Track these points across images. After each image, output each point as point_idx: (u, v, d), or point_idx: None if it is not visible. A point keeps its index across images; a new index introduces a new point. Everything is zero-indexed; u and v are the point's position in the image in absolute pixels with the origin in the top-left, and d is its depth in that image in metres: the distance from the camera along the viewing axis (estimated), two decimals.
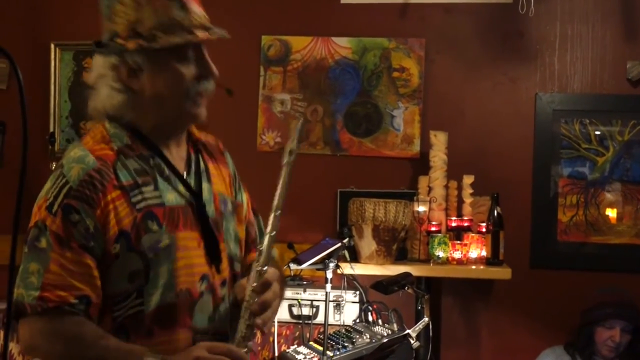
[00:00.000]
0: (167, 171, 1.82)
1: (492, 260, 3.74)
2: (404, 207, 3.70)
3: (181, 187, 1.82)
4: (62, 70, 4.36)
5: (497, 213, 3.77)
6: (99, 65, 1.81)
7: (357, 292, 3.66)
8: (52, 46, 4.35)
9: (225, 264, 1.87)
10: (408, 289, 3.27)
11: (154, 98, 1.78)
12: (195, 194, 1.84)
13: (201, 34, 1.77)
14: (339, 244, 3.28)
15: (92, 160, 1.75)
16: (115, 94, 1.78)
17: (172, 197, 1.81)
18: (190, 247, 1.80)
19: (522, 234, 4.00)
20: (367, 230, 3.68)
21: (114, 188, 1.74)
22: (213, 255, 1.84)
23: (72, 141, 4.32)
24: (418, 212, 3.80)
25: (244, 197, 2.02)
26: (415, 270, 3.54)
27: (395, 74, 4.15)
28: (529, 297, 4.01)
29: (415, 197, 3.85)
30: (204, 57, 1.81)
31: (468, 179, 3.87)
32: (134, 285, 1.73)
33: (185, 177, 1.85)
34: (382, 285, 3.20)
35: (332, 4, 4.19)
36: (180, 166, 1.86)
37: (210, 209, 1.86)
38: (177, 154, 1.85)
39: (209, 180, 1.90)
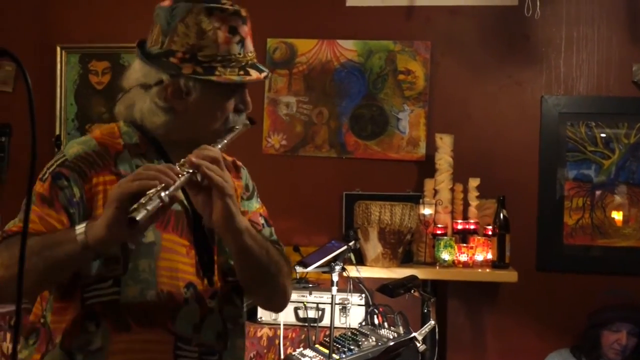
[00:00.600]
0: None
1: (498, 263, 3.73)
2: (409, 210, 3.69)
3: (180, 194, 1.78)
4: (68, 73, 4.36)
5: (503, 216, 3.76)
6: (141, 73, 1.81)
7: (363, 295, 3.65)
8: (58, 49, 4.35)
9: (217, 277, 1.83)
10: (414, 292, 3.26)
11: (193, 122, 1.80)
12: (191, 202, 1.80)
13: (255, 75, 1.80)
14: (345, 247, 3.27)
15: (94, 143, 1.77)
16: (159, 112, 1.78)
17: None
18: (177, 251, 1.77)
19: (528, 237, 3.99)
20: (373, 233, 3.67)
21: (110, 173, 1.73)
22: (204, 266, 1.81)
23: None
24: (424, 215, 3.79)
25: (253, 206, 1.99)
26: (421, 273, 3.53)
27: (401, 77, 4.14)
28: (535, 300, 4.00)
29: (421, 200, 3.84)
30: (245, 92, 1.85)
31: (474, 182, 3.86)
32: (109, 271, 1.71)
33: None
34: (388, 288, 3.19)
35: (337, 6, 4.19)
36: None
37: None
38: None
39: None
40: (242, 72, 1.78)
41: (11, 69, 4.37)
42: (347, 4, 4.19)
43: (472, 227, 3.84)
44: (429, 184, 3.91)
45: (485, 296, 4.02)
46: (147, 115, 1.79)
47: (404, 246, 3.75)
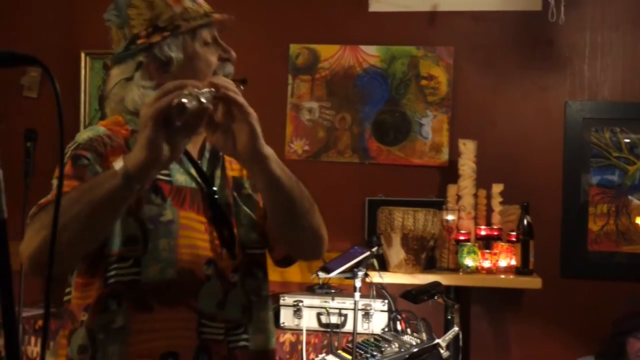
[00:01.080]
0: None
1: (521, 270, 3.71)
2: (432, 216, 3.68)
3: (193, 171, 1.80)
4: (92, 79, 4.39)
5: (527, 222, 3.74)
6: (118, 72, 1.82)
7: (386, 301, 3.64)
8: (83, 55, 4.38)
9: (237, 250, 1.82)
10: (438, 298, 3.25)
11: None
12: (206, 179, 1.82)
13: (217, 15, 1.84)
14: (368, 253, 3.26)
15: (103, 129, 1.79)
16: (149, 93, 1.75)
17: (182, 178, 1.79)
18: (195, 228, 1.77)
19: (552, 243, 3.96)
20: (396, 239, 3.66)
21: (123, 153, 1.69)
22: (225, 240, 1.80)
23: None
24: (447, 221, 3.78)
25: None
26: (444, 279, 3.52)
27: (424, 82, 4.13)
28: (559, 306, 3.97)
29: (444, 206, 3.83)
30: (219, 40, 1.86)
31: (497, 188, 3.85)
32: (129, 251, 1.70)
33: (198, 162, 1.84)
34: (412, 294, 3.18)
35: (360, 12, 4.19)
36: (194, 152, 1.85)
37: (222, 195, 1.84)
38: (192, 140, 1.78)
39: (223, 166, 1.88)
40: (205, 17, 1.82)
41: (36, 75, 4.41)
42: (370, 10, 4.19)
43: (495, 233, 3.81)
44: (452, 190, 3.89)
45: (508, 303, 4.00)
46: (139, 99, 1.78)
47: (427, 252, 3.73)
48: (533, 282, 3.66)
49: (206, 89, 1.57)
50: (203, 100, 1.51)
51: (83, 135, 1.77)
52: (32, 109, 4.33)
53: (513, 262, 3.74)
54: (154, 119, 1.50)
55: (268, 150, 1.67)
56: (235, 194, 1.87)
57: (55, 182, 1.73)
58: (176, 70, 1.78)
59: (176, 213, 1.75)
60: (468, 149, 3.87)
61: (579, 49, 4.04)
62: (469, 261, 3.69)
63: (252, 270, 1.86)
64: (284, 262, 1.95)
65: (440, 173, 4.09)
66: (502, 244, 3.79)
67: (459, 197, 3.87)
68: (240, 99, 1.62)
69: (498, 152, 4.05)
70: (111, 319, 1.71)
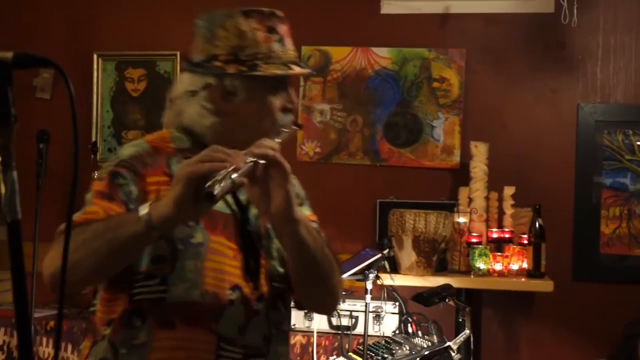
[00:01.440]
0: None
1: (533, 273, 3.70)
2: (444, 218, 3.68)
3: (229, 197, 1.82)
4: (104, 81, 4.41)
5: (539, 225, 3.73)
6: (188, 82, 1.85)
7: (397, 303, 3.64)
8: (95, 56, 4.40)
9: (263, 281, 1.85)
10: (449, 300, 3.24)
11: (241, 123, 1.83)
12: (242, 207, 1.84)
13: (297, 69, 1.86)
14: (379, 255, 3.26)
15: (147, 145, 1.82)
16: (207, 115, 1.82)
17: (218, 203, 1.79)
18: (224, 253, 1.79)
19: (564, 246, 3.95)
20: (407, 241, 3.66)
21: (163, 174, 1.76)
22: (250, 269, 1.83)
23: (113, 150, 4.37)
24: (458, 224, 3.77)
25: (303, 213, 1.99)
26: (455, 281, 3.51)
27: (436, 84, 4.13)
28: (571, 309, 3.96)
29: (455, 208, 3.82)
30: (290, 91, 1.89)
31: (509, 190, 3.84)
32: (157, 269, 1.74)
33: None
34: (423, 297, 3.17)
35: (372, 14, 4.19)
36: None
37: (255, 224, 1.86)
38: None
39: None
40: (284, 67, 1.83)
41: (49, 76, 4.43)
42: (382, 12, 4.19)
43: (507, 235, 3.81)
44: (463, 192, 3.89)
45: (520, 306, 3.99)
46: (196, 119, 1.83)
47: (438, 254, 3.73)
48: (545, 285, 3.65)
49: (246, 163, 1.61)
50: (236, 179, 1.56)
51: (127, 150, 1.81)
52: (44, 110, 4.36)
53: (525, 265, 3.73)
54: (189, 179, 1.54)
55: (299, 215, 1.73)
56: (270, 226, 1.87)
57: (89, 196, 1.77)
58: (238, 105, 1.82)
59: (207, 237, 1.78)
60: (480, 151, 3.87)
61: (592, 51, 4.03)
62: (480, 264, 3.69)
63: (276, 303, 1.88)
64: (296, 305, 2.00)
65: (451, 175, 4.09)
66: (514, 246, 3.78)
67: (470, 200, 3.86)
68: (286, 164, 1.67)
69: (510, 154, 4.04)
70: (134, 335, 1.74)
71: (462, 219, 3.78)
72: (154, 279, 1.74)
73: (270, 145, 1.68)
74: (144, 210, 1.59)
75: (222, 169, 1.56)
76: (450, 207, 3.84)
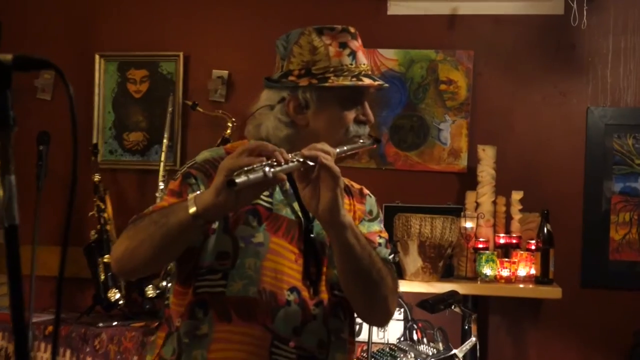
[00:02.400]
0: (287, 185, 1.95)
1: (541, 279, 3.69)
2: (450, 223, 3.67)
3: (296, 205, 1.95)
4: (106, 82, 4.41)
5: (547, 230, 3.73)
6: (265, 97, 2.01)
7: (402, 310, 3.63)
8: (97, 57, 4.40)
9: (324, 288, 1.95)
10: (455, 307, 3.23)
11: (314, 134, 1.93)
12: (307, 214, 1.94)
13: (367, 81, 1.97)
14: None
15: (222, 152, 1.96)
16: (282, 127, 1.96)
17: (283, 209, 1.94)
18: (284, 255, 1.90)
19: (572, 252, 3.94)
20: (413, 247, 3.66)
21: None
22: (310, 275, 1.92)
23: (115, 152, 4.37)
24: (465, 229, 3.77)
25: (373, 227, 2.08)
26: (461, 288, 3.50)
27: (443, 87, 4.12)
28: (580, 317, 3.95)
29: (462, 213, 3.82)
30: (364, 103, 2.00)
31: (517, 195, 3.83)
32: (221, 264, 1.87)
33: None
34: (429, 303, 3.16)
35: (378, 15, 4.19)
36: None
37: (320, 233, 1.94)
38: None
39: None
40: (354, 79, 1.95)
41: (50, 77, 4.44)
42: (388, 13, 4.19)
43: (514, 241, 3.81)
44: (470, 197, 3.89)
45: (528, 313, 3.98)
46: (272, 131, 1.97)
47: (444, 260, 3.72)
48: (553, 292, 3.64)
49: (291, 160, 1.70)
50: (269, 173, 1.62)
51: (203, 155, 1.96)
52: (45, 111, 4.36)
53: (532, 271, 3.73)
54: (227, 171, 1.63)
55: (346, 220, 1.80)
56: None
57: (160, 195, 1.91)
58: (310, 116, 1.96)
59: (268, 237, 1.90)
60: (487, 155, 3.87)
61: (602, 53, 4.02)
62: (487, 270, 3.68)
63: (336, 311, 1.98)
64: None
65: (458, 179, 4.09)
66: (522, 252, 3.78)
67: (477, 204, 3.86)
68: (334, 168, 1.75)
69: (518, 158, 4.04)
70: (197, 326, 1.87)
71: (469, 224, 3.78)
72: (217, 273, 1.88)
73: (323, 148, 1.77)
74: (190, 197, 1.71)
75: (243, 172, 1.63)
76: (457, 212, 3.83)
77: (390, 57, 4.17)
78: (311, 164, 1.73)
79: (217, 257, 1.88)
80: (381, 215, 2.16)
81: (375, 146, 2.05)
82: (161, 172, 4.01)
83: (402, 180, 4.13)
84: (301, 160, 1.72)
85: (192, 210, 1.67)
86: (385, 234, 2.10)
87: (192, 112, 4.17)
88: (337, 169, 1.75)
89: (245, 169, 1.61)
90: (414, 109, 4.15)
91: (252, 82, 4.13)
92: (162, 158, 4.07)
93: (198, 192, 1.74)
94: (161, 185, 3.94)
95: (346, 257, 1.84)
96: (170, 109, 4.18)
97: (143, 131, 4.37)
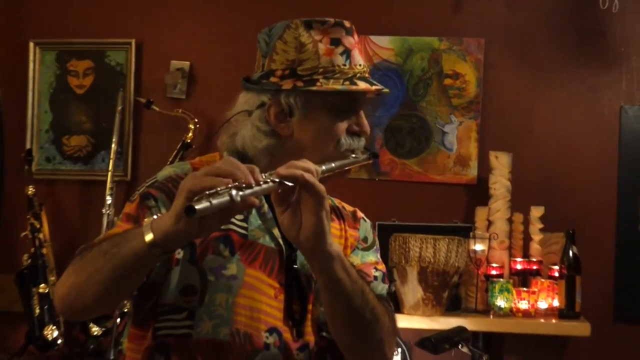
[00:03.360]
0: (266, 208, 1.94)
1: (566, 313, 3.71)
2: (457, 246, 3.68)
3: (276, 231, 1.91)
4: (42, 74, 4.39)
5: (573, 254, 3.74)
6: (243, 101, 1.99)
7: (399, 350, 3.63)
8: (31, 45, 4.38)
9: (309, 329, 1.93)
10: (462, 347, 3.23)
11: (299, 147, 1.93)
12: (290, 243, 1.89)
13: (362, 85, 1.95)
14: None
15: (188, 167, 1.95)
16: (261, 136, 1.94)
17: (260, 235, 1.92)
18: (262, 291, 1.88)
19: (603, 280, 3.96)
20: (412, 274, 3.66)
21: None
22: (293, 313, 1.91)
23: (52, 159, 4.34)
24: (475, 252, 3.77)
25: (368, 258, 2.07)
26: (471, 323, 3.50)
27: (448, 81, 4.14)
28: (612, 357, 3.97)
29: (471, 233, 3.82)
30: (359, 112, 1.99)
31: (537, 212, 3.85)
32: (186, 301, 1.85)
33: None
34: (430, 342, 3.16)
35: None
36: None
37: (305, 264, 1.91)
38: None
39: None
40: (347, 83, 1.92)
41: None
42: None
43: (534, 267, 3.82)
44: (481, 214, 3.89)
45: (550, 353, 3.99)
46: (250, 141, 1.95)
47: (449, 290, 3.73)
48: (580, 328, 3.65)
49: (267, 182, 1.67)
50: (236, 197, 1.58)
51: (165, 171, 1.95)
52: None
53: (556, 303, 3.74)
54: (187, 193, 1.60)
55: (334, 249, 1.77)
56: None
57: (117, 219, 1.92)
58: (294, 125, 1.93)
59: (242, 269, 1.88)
60: (501, 163, 3.88)
61: (637, 42, 4.04)
62: (501, 301, 3.69)
63: (324, 356, 1.96)
64: None
65: (467, 193, 4.10)
66: (543, 280, 3.79)
67: (489, 223, 3.87)
68: (319, 187, 1.72)
69: (538, 167, 4.05)
70: None
71: (479, 247, 3.78)
72: (181, 312, 1.85)
73: (304, 166, 1.73)
74: (146, 222, 1.69)
75: (225, 185, 1.61)
76: (465, 232, 3.84)
77: (384, 45, 4.18)
78: (289, 184, 1.70)
79: (182, 293, 1.85)
80: (377, 243, 2.13)
81: (371, 162, 2.03)
82: (109, 184, 3.99)
83: (399, 193, 4.14)
84: (277, 180, 1.69)
85: (149, 237, 1.64)
86: (382, 266, 2.08)
87: (146, 111, 4.16)
88: (322, 187, 1.72)
89: (207, 192, 1.57)
90: (414, 107, 4.16)
91: (218, 75, 4.13)
92: (110, 167, 4.06)
93: (155, 217, 1.73)
94: (109, 200, 3.93)
95: (334, 294, 1.81)
96: (119, 108, 4.17)
97: (87, 134, 4.35)
